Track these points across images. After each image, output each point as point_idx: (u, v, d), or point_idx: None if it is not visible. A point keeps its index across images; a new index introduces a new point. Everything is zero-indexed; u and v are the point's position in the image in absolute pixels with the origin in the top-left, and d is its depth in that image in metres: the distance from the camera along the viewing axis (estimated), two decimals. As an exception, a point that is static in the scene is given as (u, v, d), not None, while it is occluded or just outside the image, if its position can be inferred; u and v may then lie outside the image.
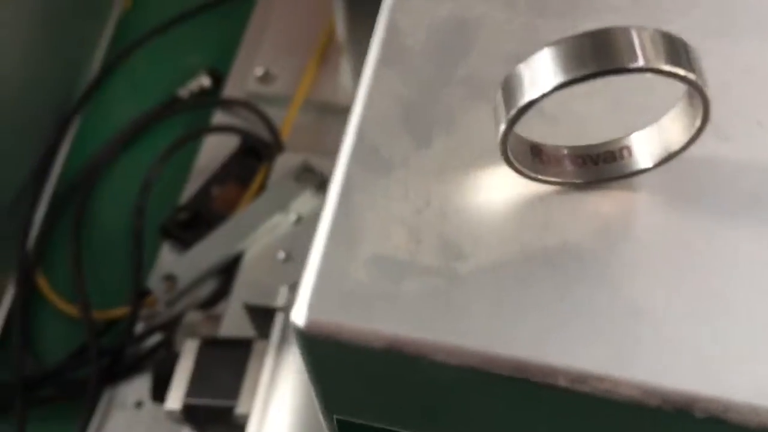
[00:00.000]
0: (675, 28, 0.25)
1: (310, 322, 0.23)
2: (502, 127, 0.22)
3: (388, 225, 0.24)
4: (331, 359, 0.24)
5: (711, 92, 0.22)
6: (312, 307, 0.23)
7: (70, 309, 0.94)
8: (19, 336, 0.91)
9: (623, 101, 0.26)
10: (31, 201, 0.99)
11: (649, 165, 0.24)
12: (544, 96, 0.21)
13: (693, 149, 0.24)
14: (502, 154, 0.23)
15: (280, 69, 0.98)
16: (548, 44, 0.22)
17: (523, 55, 0.22)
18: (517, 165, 0.24)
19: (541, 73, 0.22)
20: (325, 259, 0.24)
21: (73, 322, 0.94)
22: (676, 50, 0.21)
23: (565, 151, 0.25)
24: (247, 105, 0.99)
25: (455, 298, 0.23)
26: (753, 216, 0.24)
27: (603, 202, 0.25)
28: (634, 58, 0.21)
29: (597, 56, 0.21)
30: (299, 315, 0.23)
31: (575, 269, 0.24)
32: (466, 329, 0.23)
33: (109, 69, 1.06)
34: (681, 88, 0.23)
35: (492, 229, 0.24)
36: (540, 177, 0.24)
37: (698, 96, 0.21)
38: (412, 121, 0.26)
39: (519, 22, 0.28)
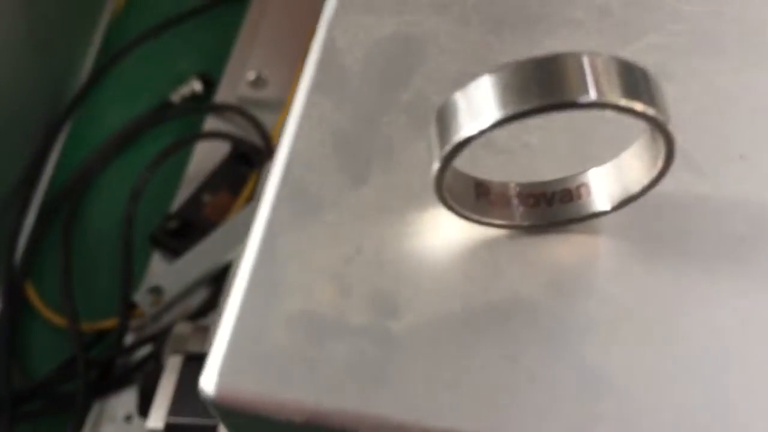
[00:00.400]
0: (644, 46, 0.22)
1: (220, 391, 0.20)
2: (436, 165, 0.19)
3: (313, 276, 0.21)
4: (251, 427, 0.22)
5: (676, 120, 0.19)
6: (224, 373, 0.20)
7: (59, 319, 0.93)
8: (6, 347, 0.89)
9: (583, 131, 0.23)
10: (20, 208, 0.97)
11: (608, 208, 0.21)
12: (481, 133, 0.18)
13: (665, 186, 0.21)
14: (437, 196, 0.20)
15: (273, 73, 0.96)
16: (489, 71, 0.19)
17: (475, 77, 0.19)
18: (457, 207, 0.21)
19: (479, 105, 0.18)
20: (241, 315, 0.21)
21: (62, 333, 0.92)
22: (635, 81, 0.18)
23: (516, 189, 0.22)
24: (238, 110, 0.97)
25: (387, 364, 0.20)
26: (734, 265, 0.21)
27: (558, 249, 0.21)
28: (585, 91, 0.18)
29: (543, 88, 0.18)
30: (209, 382, 0.20)
31: (526, 330, 0.21)
32: (398, 400, 0.20)
33: (99, 74, 1.04)
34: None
35: (432, 281, 0.21)
36: (486, 220, 0.21)
37: (660, 134, 0.18)
38: (347, 154, 0.23)
39: (471, 40, 0.25)
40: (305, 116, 0.24)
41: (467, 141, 0.19)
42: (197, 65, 1.02)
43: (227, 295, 0.21)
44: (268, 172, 0.23)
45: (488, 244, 0.22)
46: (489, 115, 0.18)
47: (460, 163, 0.21)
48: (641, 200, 0.21)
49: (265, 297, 0.21)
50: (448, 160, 0.19)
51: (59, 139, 1.01)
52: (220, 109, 0.99)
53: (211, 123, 0.99)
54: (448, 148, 0.19)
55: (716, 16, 0.24)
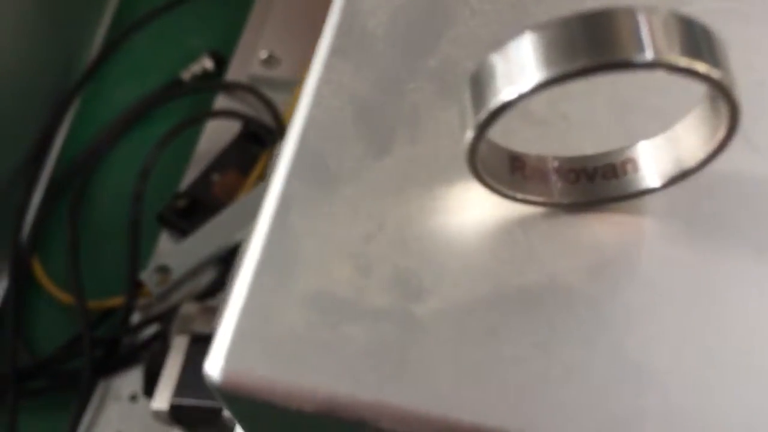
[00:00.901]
0: (700, 9, 0.20)
1: (227, 376, 0.19)
2: (469, 134, 0.17)
3: (330, 254, 0.20)
4: (258, 415, 0.20)
5: (741, 94, 0.17)
6: (231, 357, 0.19)
7: (66, 297, 0.92)
8: (12, 324, 0.89)
9: (629, 102, 0.21)
10: (27, 186, 0.96)
11: (658, 184, 0.19)
12: (521, 97, 0.16)
13: (718, 164, 0.19)
14: (469, 168, 0.18)
15: (285, 52, 0.94)
16: (530, 28, 0.17)
17: (514, 36, 0.17)
18: (490, 181, 0.19)
19: (519, 66, 0.16)
20: (251, 295, 0.19)
21: (68, 311, 0.91)
22: (696, 40, 0.16)
23: (555, 164, 0.20)
24: (250, 89, 0.95)
25: (409, 350, 0.19)
26: (792, 250, 0.19)
27: (600, 230, 0.20)
28: (641, 49, 0.16)
29: (592, 46, 0.16)
30: (214, 366, 0.19)
31: (562, 317, 0.19)
32: (420, 390, 0.18)
33: (109, 50, 1.03)
34: (702, 87, 0.17)
35: (460, 262, 0.19)
36: (521, 196, 0.19)
37: (724, 100, 0.16)
38: (368, 123, 0.21)
39: (507, 2, 0.23)
40: (323, 82, 0.22)
41: (506, 106, 0.17)
42: (208, 43, 1.00)
43: (236, 274, 0.20)
44: (280, 150, 0.21)
45: (522, 223, 0.20)
46: (531, 77, 0.16)
47: (494, 134, 0.19)
48: (691, 179, 0.19)
49: (277, 275, 0.19)
50: (483, 127, 0.17)
51: (68, 116, 0.99)
52: (231, 88, 0.97)
53: (221, 101, 0.97)
54: (484, 114, 0.17)
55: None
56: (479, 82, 0.17)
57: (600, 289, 0.19)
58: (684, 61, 0.16)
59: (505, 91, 0.17)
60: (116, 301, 0.91)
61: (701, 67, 0.16)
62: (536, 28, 0.17)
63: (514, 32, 0.17)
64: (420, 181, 0.20)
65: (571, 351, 0.18)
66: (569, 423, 0.17)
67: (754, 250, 0.19)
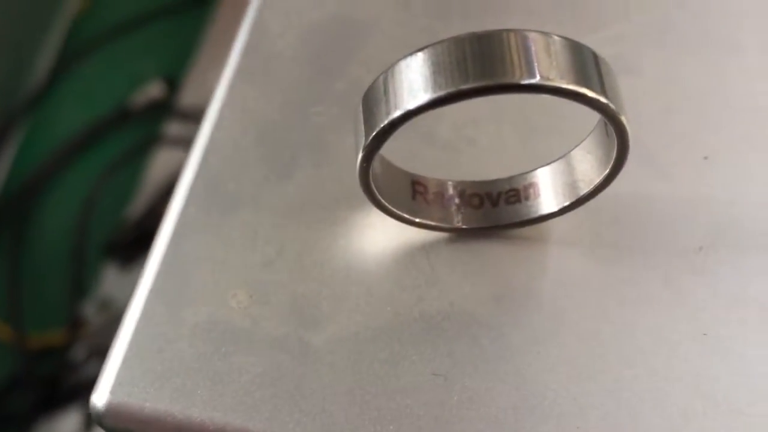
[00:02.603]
0: (605, 37, 0.20)
1: (112, 409, 0.18)
2: (360, 155, 0.17)
3: (226, 281, 0.19)
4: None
5: (639, 118, 0.16)
6: (118, 388, 0.18)
7: (5, 331, 0.88)
8: (-53, 360, 0.85)
9: (535, 126, 0.21)
10: (-32, 215, 0.93)
11: (556, 209, 0.19)
12: (408, 116, 0.16)
13: (624, 187, 0.19)
14: (363, 190, 0.18)
15: (236, 79, 0.93)
16: (420, 49, 0.16)
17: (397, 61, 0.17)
18: (387, 205, 0.18)
19: (407, 86, 0.16)
20: (141, 324, 0.19)
21: (6, 346, 0.88)
22: (585, 66, 0.16)
23: (457, 189, 0.19)
24: (201, 116, 0.94)
25: (305, 381, 0.18)
26: (696, 274, 0.19)
27: (502, 256, 0.19)
28: (528, 72, 0.15)
29: (480, 67, 0.16)
30: (100, 398, 0.18)
31: (464, 345, 0.18)
32: (315, 422, 0.17)
33: (56, 75, 1.01)
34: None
35: (359, 288, 0.19)
36: (419, 221, 0.19)
37: (612, 124, 0.16)
38: (271, 147, 0.21)
39: (415, 26, 0.22)
40: (227, 104, 0.21)
41: (392, 126, 0.16)
42: (159, 68, 0.99)
43: (129, 303, 0.19)
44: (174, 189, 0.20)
45: (424, 249, 0.19)
46: (418, 97, 0.16)
47: (397, 157, 0.19)
48: (596, 202, 0.19)
49: (169, 303, 0.19)
50: (372, 148, 0.17)
51: (12, 143, 0.97)
52: (183, 115, 0.96)
53: (173, 128, 0.96)
54: (372, 134, 0.16)
55: (681, 7, 0.22)
56: (369, 102, 0.17)
57: (502, 316, 0.19)
58: (571, 86, 0.15)
59: (393, 111, 0.16)
60: (58, 334, 0.88)
61: (587, 91, 0.15)
62: (427, 47, 0.16)
63: (406, 51, 0.17)
64: (321, 206, 0.20)
65: (471, 380, 0.18)
66: (466, 455, 0.17)
67: (658, 276, 0.19)
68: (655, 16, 0.22)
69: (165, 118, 0.97)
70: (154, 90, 0.99)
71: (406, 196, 0.19)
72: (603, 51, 0.16)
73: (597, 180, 0.18)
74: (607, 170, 0.17)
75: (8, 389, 0.85)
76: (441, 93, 0.16)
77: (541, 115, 0.21)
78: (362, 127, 0.17)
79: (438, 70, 0.16)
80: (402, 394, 0.18)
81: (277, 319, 0.18)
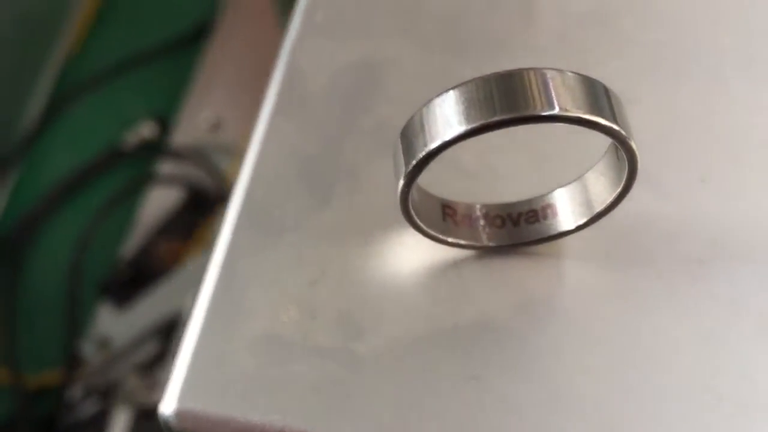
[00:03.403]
0: (606, 71, 0.22)
1: (180, 414, 0.19)
2: (401, 182, 0.19)
3: (276, 299, 0.21)
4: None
5: (640, 144, 0.19)
6: (184, 395, 0.20)
7: (1, 373, 0.88)
8: (-58, 404, 0.85)
9: (549, 153, 0.23)
10: (-38, 257, 0.93)
11: (572, 227, 0.21)
12: (445, 146, 0.18)
13: (629, 208, 0.21)
14: (403, 214, 0.20)
15: (230, 118, 0.95)
16: (452, 88, 0.19)
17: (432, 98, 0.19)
18: (423, 226, 0.21)
19: (442, 120, 0.18)
20: (202, 338, 0.20)
21: (4, 387, 0.88)
22: (596, 96, 0.18)
23: (482, 211, 0.22)
24: (194, 155, 0.96)
25: (353, 386, 0.20)
26: (697, 286, 0.21)
27: (524, 270, 0.21)
28: (548, 105, 0.18)
29: (506, 102, 0.18)
30: (168, 405, 0.20)
31: (494, 351, 0.20)
32: (364, 422, 0.19)
33: (48, 117, 1.02)
34: (606, 139, 0.20)
35: (397, 302, 0.21)
36: (452, 240, 0.21)
37: (623, 149, 0.18)
38: (310, 176, 0.23)
39: (434, 64, 0.25)
40: (267, 139, 0.23)
41: (430, 156, 0.18)
42: (151, 109, 1.01)
43: (188, 320, 0.21)
44: (228, 206, 0.22)
45: (455, 265, 0.21)
46: (453, 129, 0.18)
47: (427, 184, 0.21)
48: (606, 221, 0.21)
49: (226, 320, 0.21)
50: (413, 175, 0.19)
51: (5, 185, 0.98)
52: (175, 154, 0.97)
53: (165, 167, 0.98)
54: (413, 162, 0.19)
55: (675, 44, 0.25)
56: (408, 134, 0.19)
57: (526, 323, 0.21)
58: (586, 115, 0.18)
59: (431, 142, 0.18)
60: (54, 374, 0.88)
61: (601, 120, 0.18)
62: (458, 85, 0.19)
63: (439, 90, 0.19)
64: (359, 230, 0.22)
65: (503, 382, 0.20)
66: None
67: (661, 285, 0.21)
68: (646, 52, 0.25)
69: (157, 158, 0.99)
70: (145, 130, 1.00)
71: (438, 219, 0.21)
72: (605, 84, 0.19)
73: (609, 199, 0.20)
74: (619, 189, 0.20)
75: (5, 430, 0.85)
76: (473, 125, 0.18)
77: (553, 144, 0.23)
78: (402, 157, 0.19)
79: (469, 105, 0.18)
80: (441, 395, 0.20)
81: (325, 331, 0.20)
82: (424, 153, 0.18)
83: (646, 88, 0.24)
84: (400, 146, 0.19)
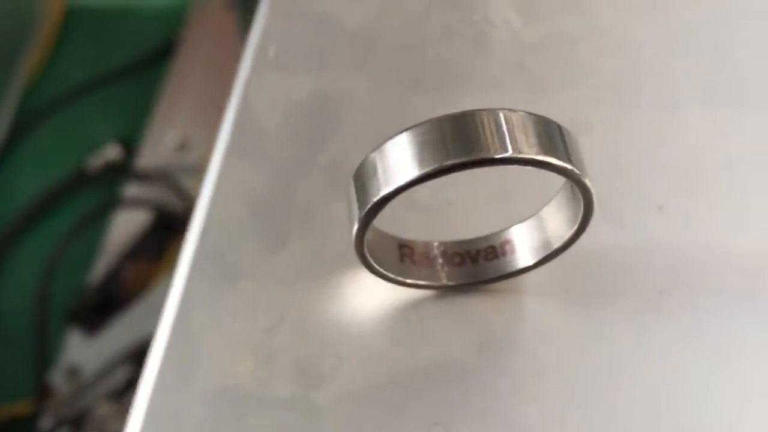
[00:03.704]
0: (561, 100, 0.22)
1: (133, 477, 0.19)
2: (356, 227, 0.19)
3: (232, 348, 0.20)
4: None
5: (596, 173, 0.19)
6: (137, 457, 0.19)
7: (-33, 406, 0.86)
8: None
9: (505, 189, 0.23)
10: (-76, 287, 0.91)
11: (531, 263, 0.21)
12: (399, 191, 0.18)
13: (588, 240, 0.21)
14: (359, 258, 0.20)
15: (195, 138, 0.95)
16: (404, 130, 0.18)
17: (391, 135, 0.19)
18: (380, 269, 0.20)
19: (396, 163, 0.18)
20: (156, 394, 0.20)
21: (-31, 421, 0.85)
22: (550, 135, 0.18)
23: (440, 249, 0.21)
24: (160, 176, 0.95)
25: (313, 442, 0.19)
26: (659, 315, 0.21)
27: (485, 308, 0.21)
28: (502, 146, 0.17)
29: (460, 144, 0.18)
30: (121, 468, 0.19)
31: (456, 392, 0.20)
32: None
33: (12, 142, 1.01)
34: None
35: (356, 346, 0.20)
36: (410, 282, 0.21)
37: (578, 187, 0.18)
38: (265, 218, 0.22)
39: (389, 98, 0.25)
40: (221, 180, 0.23)
41: (385, 200, 0.18)
42: (116, 131, 0.99)
43: (141, 376, 0.20)
44: (176, 263, 0.22)
45: (414, 306, 0.21)
46: (406, 173, 0.18)
47: (382, 223, 0.20)
48: (564, 255, 0.21)
49: (180, 374, 0.20)
50: (367, 220, 0.19)
51: (-32, 212, 0.96)
52: (141, 176, 0.96)
53: (131, 190, 0.96)
54: (366, 208, 0.18)
55: (629, 71, 0.25)
56: (361, 178, 0.19)
57: (488, 363, 0.20)
58: (540, 156, 0.17)
59: (384, 187, 0.18)
60: (25, 405, 0.86)
61: (554, 161, 0.17)
62: (411, 128, 0.18)
63: (391, 132, 0.18)
64: (316, 272, 0.21)
65: (466, 425, 0.19)
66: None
67: (626, 316, 0.21)
68: (600, 80, 0.25)
69: (122, 181, 0.98)
70: (110, 153, 0.99)
71: (395, 260, 0.21)
72: (560, 113, 0.19)
73: (567, 236, 0.20)
74: (575, 227, 0.19)
75: (-27, 467, 0.83)
76: (427, 169, 0.18)
77: (511, 179, 0.23)
78: (355, 202, 0.19)
79: (422, 149, 0.18)
80: (405, 443, 0.19)
81: (283, 380, 0.20)
82: (377, 198, 0.18)
83: (601, 115, 0.24)
84: (353, 190, 0.19)
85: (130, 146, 1.00)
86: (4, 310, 0.91)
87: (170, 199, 0.94)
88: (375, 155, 0.18)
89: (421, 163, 0.18)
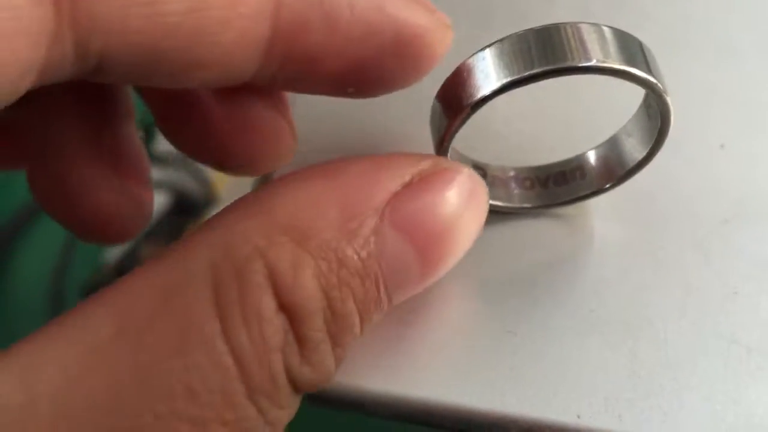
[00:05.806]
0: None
1: None
2: (443, 134, 0.19)
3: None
4: None
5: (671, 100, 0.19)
6: None
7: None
8: None
9: (575, 119, 0.23)
10: (-59, 262, 0.91)
11: (604, 185, 0.21)
12: (485, 99, 0.19)
13: (657, 172, 0.21)
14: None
15: (216, 121, 0.95)
16: (487, 46, 0.19)
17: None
18: (457, 185, 0.21)
19: (482, 75, 0.19)
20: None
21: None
22: (632, 50, 0.19)
23: (512, 173, 0.22)
24: (178, 160, 0.95)
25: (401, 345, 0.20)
26: (724, 244, 0.22)
27: (554, 230, 0.22)
28: (585, 56, 0.18)
29: (544, 54, 0.18)
30: None
31: (527, 306, 0.20)
32: (412, 378, 0.19)
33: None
34: (636, 102, 0.20)
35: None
36: (485, 200, 0.21)
37: (656, 104, 0.19)
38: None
39: (458, 37, 0.25)
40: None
41: (473, 108, 0.19)
42: (136, 115, 1.00)
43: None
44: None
45: (489, 226, 0.22)
46: (493, 82, 0.18)
47: (461, 147, 0.21)
48: (632, 182, 0.22)
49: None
50: (454, 130, 0.19)
51: (-12, 188, 0.96)
52: (160, 159, 0.97)
53: (151, 173, 0.96)
54: (454, 117, 0.19)
55: (685, 18, 0.26)
56: (447, 90, 0.19)
57: (556, 280, 0.21)
58: (623, 67, 0.18)
59: (471, 97, 0.19)
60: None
61: (637, 71, 0.18)
62: (495, 42, 0.19)
63: (476, 47, 0.19)
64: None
65: (537, 335, 0.20)
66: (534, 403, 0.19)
67: (689, 243, 0.22)
68: (663, 26, 0.26)
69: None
70: (131, 135, 0.99)
71: (470, 178, 0.21)
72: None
73: (638, 158, 0.20)
74: (649, 147, 0.20)
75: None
76: (512, 78, 0.18)
77: (579, 109, 0.24)
78: (441, 115, 0.19)
79: (507, 59, 0.18)
80: (483, 348, 0.20)
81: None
82: (466, 105, 0.19)
83: (664, 60, 0.25)
84: (438, 106, 0.20)
85: (149, 130, 1.00)
86: (21, 287, 0.91)
87: (189, 182, 0.94)
88: (459, 69, 0.19)
89: (507, 72, 0.18)
